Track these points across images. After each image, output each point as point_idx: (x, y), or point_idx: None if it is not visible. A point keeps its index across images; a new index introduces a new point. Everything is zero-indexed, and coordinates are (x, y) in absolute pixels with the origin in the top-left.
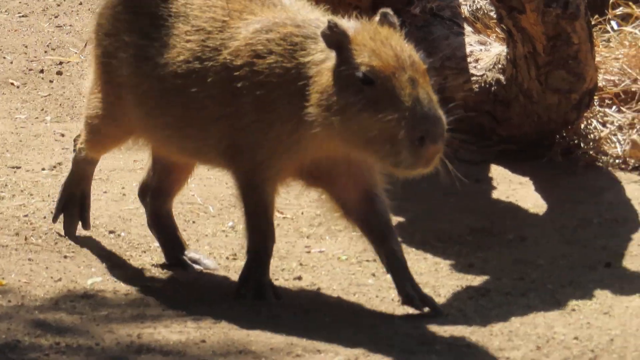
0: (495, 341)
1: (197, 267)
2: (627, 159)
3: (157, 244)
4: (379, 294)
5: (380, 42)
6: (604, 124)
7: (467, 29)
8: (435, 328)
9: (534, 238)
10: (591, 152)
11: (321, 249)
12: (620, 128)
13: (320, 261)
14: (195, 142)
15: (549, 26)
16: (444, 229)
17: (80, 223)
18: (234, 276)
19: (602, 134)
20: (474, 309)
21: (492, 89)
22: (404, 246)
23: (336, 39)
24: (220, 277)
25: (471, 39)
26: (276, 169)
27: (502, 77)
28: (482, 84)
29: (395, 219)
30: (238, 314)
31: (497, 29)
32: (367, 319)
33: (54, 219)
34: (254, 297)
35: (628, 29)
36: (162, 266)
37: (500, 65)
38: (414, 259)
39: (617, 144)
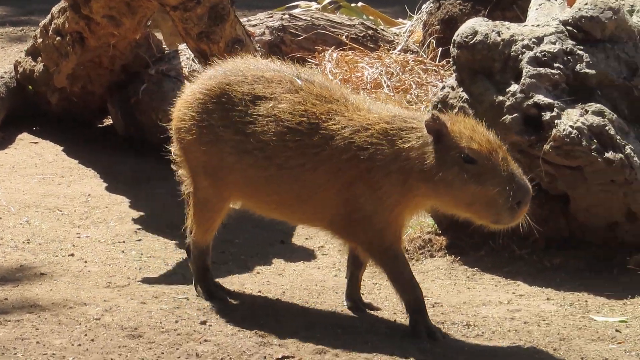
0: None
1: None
2: None
3: None
4: (126, 264)
5: (472, 129)
6: None
7: (186, 83)
8: (163, 287)
9: (233, 225)
10: None
11: (87, 234)
12: None
13: (87, 243)
14: (307, 215)
15: None
16: (171, 220)
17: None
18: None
19: None
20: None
21: None
22: (142, 233)
23: (437, 128)
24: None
25: None
26: (395, 229)
27: None
28: None
29: (137, 213)
30: None
31: None
32: (120, 279)
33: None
34: (429, 338)
35: None
36: None
37: None
38: (149, 241)
39: None
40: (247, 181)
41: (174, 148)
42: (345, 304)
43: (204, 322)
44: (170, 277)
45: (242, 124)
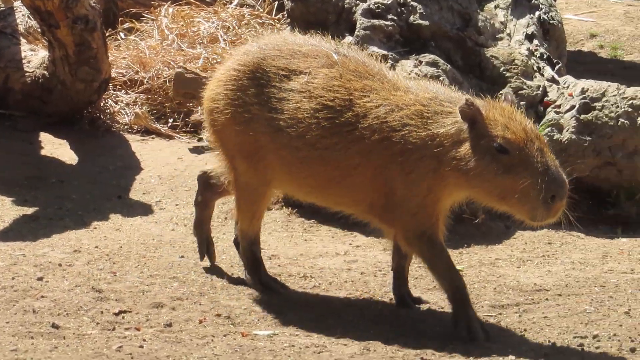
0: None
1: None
2: (133, 125)
3: None
4: None
5: (508, 117)
6: (116, 102)
7: (22, 40)
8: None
9: (70, 181)
10: (108, 122)
11: None
12: (127, 104)
13: None
14: (343, 199)
15: (76, 37)
16: (6, 177)
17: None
18: None
19: (115, 109)
20: (29, 230)
21: (40, 80)
22: None
23: (472, 114)
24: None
25: (25, 47)
26: (430, 215)
27: (46, 72)
28: (34, 78)
29: None
30: None
31: (43, 40)
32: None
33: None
34: (469, 334)
35: (131, 37)
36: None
37: (45, 64)
38: None
39: (125, 116)
40: (282, 162)
41: (206, 133)
42: (394, 300)
43: (40, 279)
44: (7, 234)
45: (277, 100)
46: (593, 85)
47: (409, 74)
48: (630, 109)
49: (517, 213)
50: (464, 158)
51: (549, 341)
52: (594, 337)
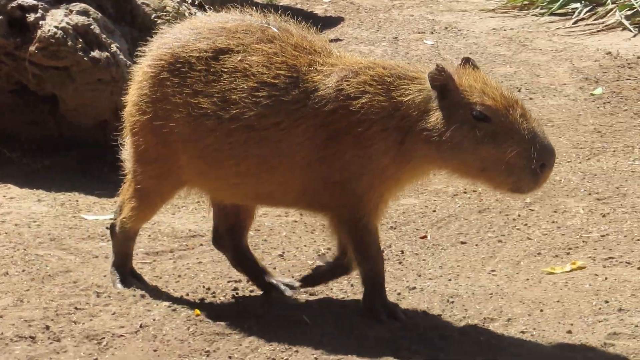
0: None
1: (284, 287)
2: None
3: None
4: None
5: (482, 83)
6: None
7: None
8: None
9: None
10: None
11: None
12: None
13: None
14: (274, 187)
15: None
16: None
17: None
18: None
19: None
20: None
21: None
22: None
23: (443, 80)
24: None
25: None
26: (377, 199)
27: None
28: None
29: None
30: None
31: None
32: None
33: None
34: (389, 317)
35: None
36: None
37: None
38: None
39: None
40: (206, 153)
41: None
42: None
43: None
44: None
45: (204, 84)
46: None
47: (60, 24)
48: None
49: (497, 185)
50: (435, 129)
51: (204, 286)
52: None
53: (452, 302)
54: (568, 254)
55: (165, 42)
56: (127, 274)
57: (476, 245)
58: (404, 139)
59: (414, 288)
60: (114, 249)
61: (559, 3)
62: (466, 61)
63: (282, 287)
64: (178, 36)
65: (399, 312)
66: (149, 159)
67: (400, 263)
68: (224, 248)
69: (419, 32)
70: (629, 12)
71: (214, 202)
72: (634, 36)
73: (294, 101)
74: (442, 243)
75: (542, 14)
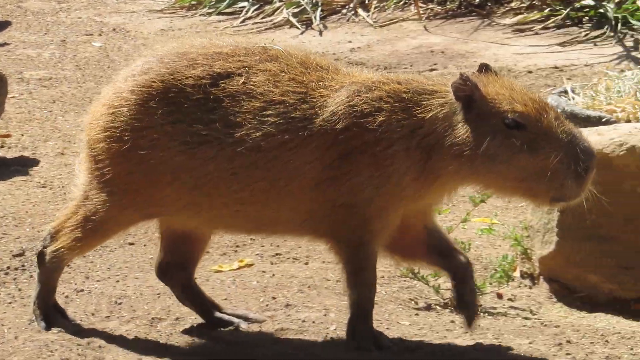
0: None
1: (238, 320)
2: None
3: None
4: None
5: (509, 89)
6: None
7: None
8: None
9: None
10: None
11: None
12: None
13: None
14: (279, 212)
15: None
16: None
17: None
18: None
19: None
20: None
21: None
22: None
23: (469, 92)
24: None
25: None
26: (385, 221)
27: None
28: None
29: None
30: None
31: None
32: None
33: (47, 329)
34: (375, 347)
35: None
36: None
37: None
38: None
39: None
40: (203, 182)
41: (81, 161)
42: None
43: None
44: None
45: (202, 112)
46: None
47: None
48: None
49: (537, 195)
50: (465, 143)
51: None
52: None
53: (121, 304)
54: (236, 251)
55: (151, 67)
56: (51, 310)
57: (144, 245)
58: (429, 155)
59: (82, 290)
60: (40, 279)
61: (226, 2)
62: (485, 68)
63: (236, 320)
64: (166, 62)
65: (385, 340)
66: (115, 189)
67: (68, 266)
68: (171, 282)
69: (87, 34)
70: (295, 10)
71: (165, 233)
72: (302, 33)
73: (302, 118)
74: (110, 244)
75: (210, 14)
